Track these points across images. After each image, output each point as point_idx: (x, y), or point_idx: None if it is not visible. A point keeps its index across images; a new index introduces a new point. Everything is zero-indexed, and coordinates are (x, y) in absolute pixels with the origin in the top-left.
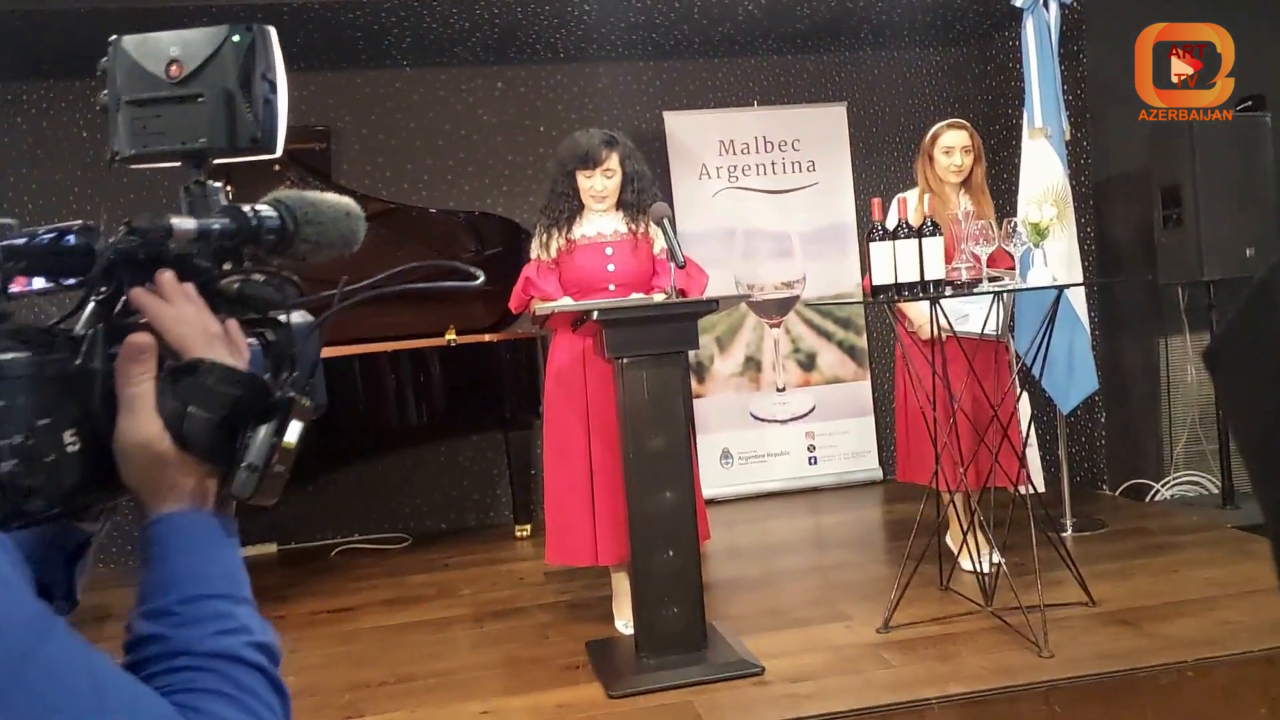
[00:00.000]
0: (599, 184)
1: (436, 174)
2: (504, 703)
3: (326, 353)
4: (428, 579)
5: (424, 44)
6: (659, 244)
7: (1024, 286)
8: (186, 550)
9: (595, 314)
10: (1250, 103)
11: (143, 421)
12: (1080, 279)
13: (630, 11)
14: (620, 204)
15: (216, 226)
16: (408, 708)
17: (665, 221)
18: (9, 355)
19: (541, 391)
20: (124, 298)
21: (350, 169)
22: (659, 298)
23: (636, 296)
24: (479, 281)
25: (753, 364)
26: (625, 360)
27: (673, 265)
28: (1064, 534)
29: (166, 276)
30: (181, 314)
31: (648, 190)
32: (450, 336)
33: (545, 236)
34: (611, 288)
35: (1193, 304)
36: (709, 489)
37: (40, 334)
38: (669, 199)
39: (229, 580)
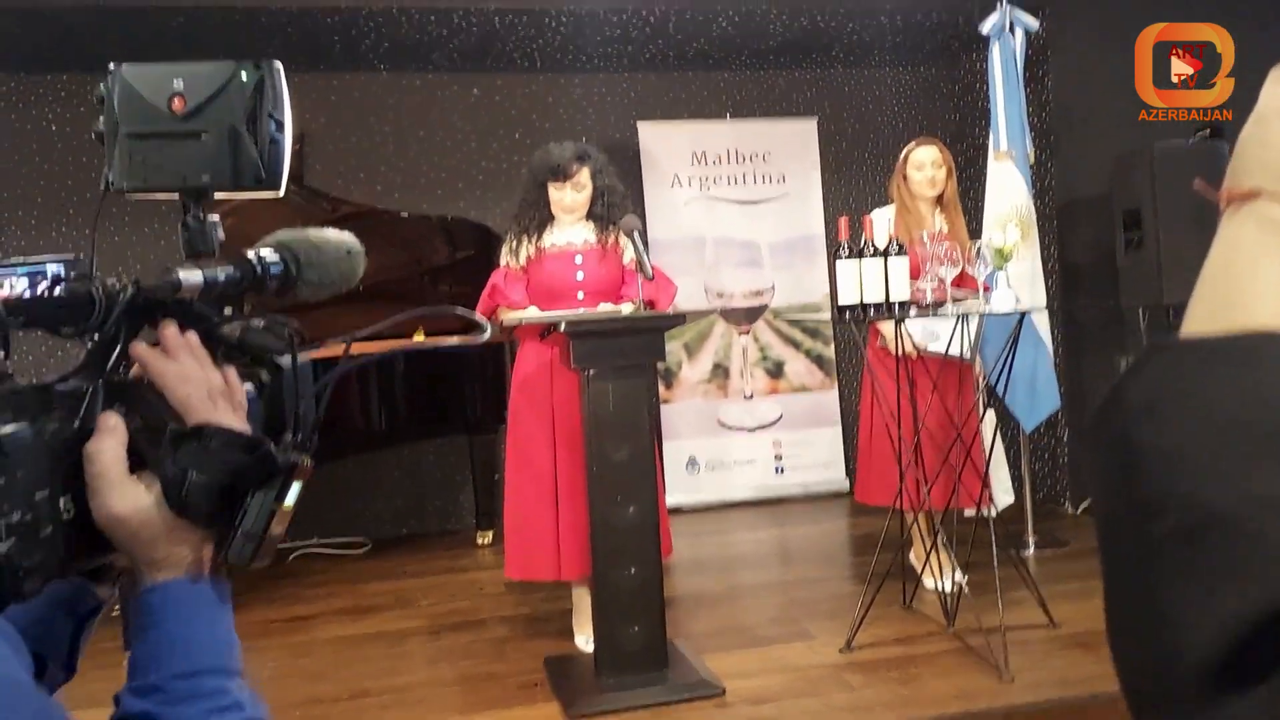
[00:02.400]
0: (569, 197)
1: (409, 178)
2: None
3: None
4: (386, 587)
5: (401, 49)
6: (628, 254)
7: (987, 310)
8: (180, 621)
9: (562, 325)
10: (1209, 130)
11: (111, 499)
12: (1044, 299)
13: (606, 25)
14: (590, 215)
15: (222, 277)
16: None
17: (635, 234)
18: (9, 428)
19: (507, 396)
20: (122, 346)
21: (323, 170)
22: (627, 308)
23: (605, 306)
24: (485, 336)
25: (721, 371)
26: (591, 372)
27: (641, 277)
28: (1026, 552)
29: (170, 331)
30: (184, 371)
31: (618, 204)
32: (419, 338)
33: (515, 244)
34: (580, 296)
35: (1154, 325)
36: (674, 496)
37: (38, 396)
38: (641, 207)
39: (221, 652)
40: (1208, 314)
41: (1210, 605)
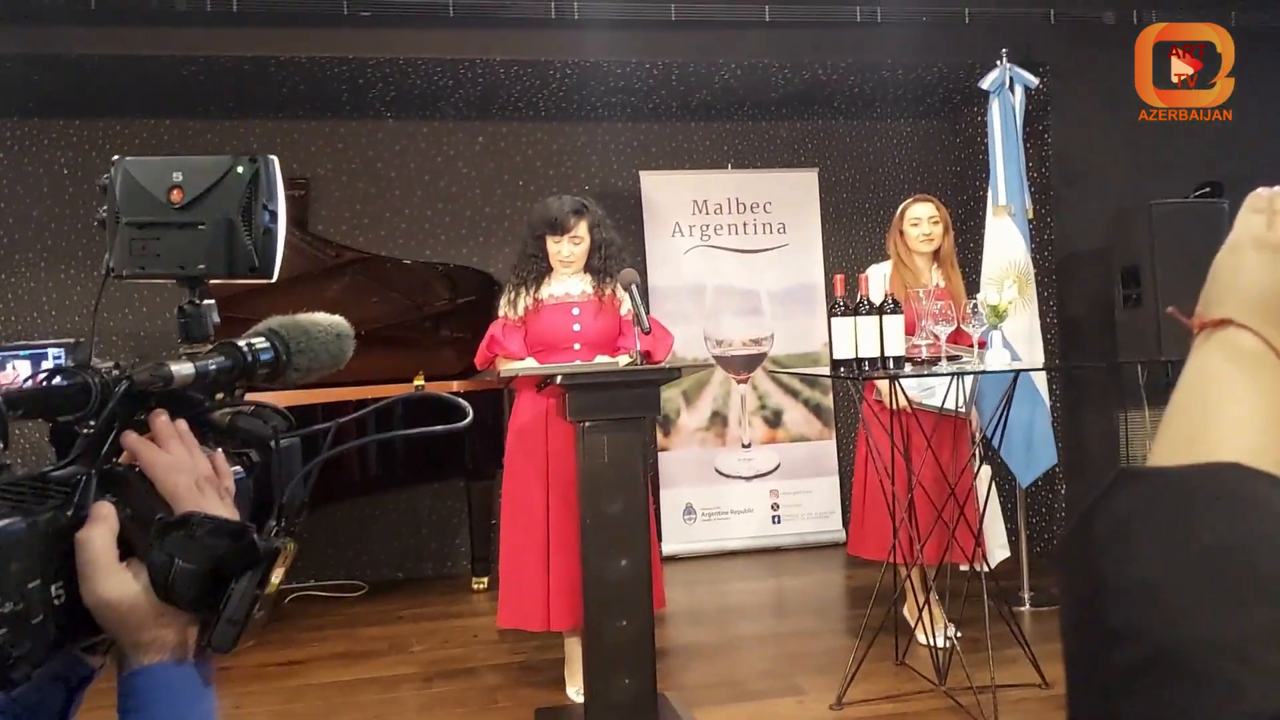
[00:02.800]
0: (566, 250)
1: (414, 224)
2: None
3: (290, 398)
4: (380, 631)
5: (407, 98)
6: (625, 306)
7: (981, 368)
8: (163, 705)
9: (559, 378)
10: (1209, 188)
11: (100, 586)
12: (1041, 355)
13: (610, 76)
14: (588, 267)
15: (213, 367)
16: None
17: (633, 287)
18: (4, 523)
19: (504, 442)
20: (114, 435)
21: (328, 216)
22: (624, 360)
23: (601, 358)
24: (468, 421)
25: (719, 419)
26: (587, 424)
27: (638, 329)
28: (1021, 608)
29: (161, 421)
30: (173, 461)
31: (616, 257)
32: (419, 382)
33: (514, 295)
34: (576, 347)
35: (1151, 381)
36: (671, 545)
37: (33, 486)
38: (642, 255)
39: None
40: (1176, 442)
41: None
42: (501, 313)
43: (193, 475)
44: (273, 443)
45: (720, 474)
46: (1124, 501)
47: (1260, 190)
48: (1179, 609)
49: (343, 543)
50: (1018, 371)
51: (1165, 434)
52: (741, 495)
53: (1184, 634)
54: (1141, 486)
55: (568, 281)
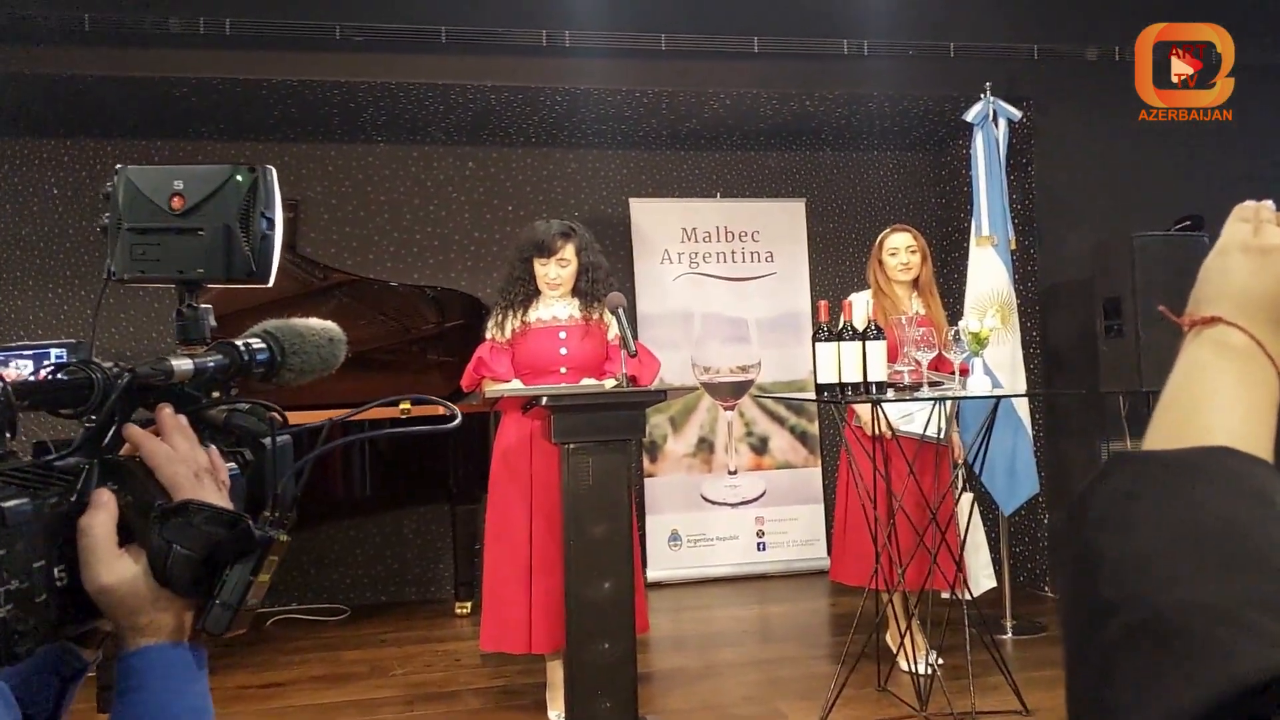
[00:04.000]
0: (553, 272)
1: (403, 248)
2: None
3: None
4: (362, 655)
5: (399, 123)
6: (613, 330)
7: (963, 394)
8: (159, 685)
9: (544, 399)
10: (1189, 222)
11: (100, 571)
12: (1024, 383)
13: (601, 104)
14: (575, 291)
15: (211, 364)
16: None
17: (619, 310)
18: (12, 503)
19: (489, 466)
20: (116, 427)
21: (317, 238)
22: (610, 383)
23: (587, 381)
24: (456, 423)
25: (706, 445)
26: (571, 446)
27: (624, 353)
28: (1003, 636)
29: (167, 413)
30: (174, 451)
31: (603, 280)
32: (405, 406)
33: (501, 318)
34: (563, 370)
35: (1133, 412)
36: (656, 571)
37: (38, 473)
38: (630, 282)
39: (198, 715)
40: (1169, 429)
41: (1150, 700)
42: (489, 335)
43: (192, 466)
44: (267, 440)
45: (706, 500)
46: (1120, 482)
47: (1247, 202)
48: (1173, 578)
49: (325, 566)
50: (999, 398)
51: (1159, 421)
52: (727, 522)
53: (1178, 600)
54: (1137, 468)
55: (555, 305)
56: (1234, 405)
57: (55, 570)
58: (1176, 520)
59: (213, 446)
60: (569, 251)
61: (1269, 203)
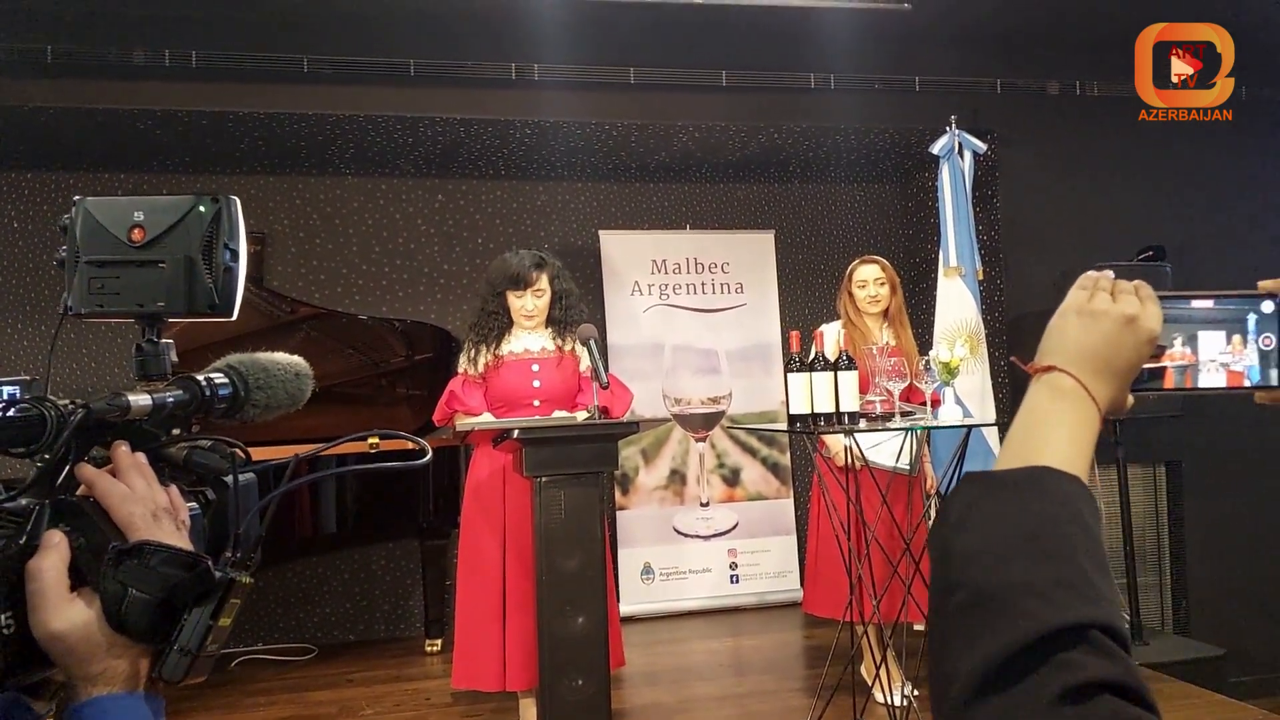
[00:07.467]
0: (529, 303)
1: (372, 280)
2: None
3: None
4: (330, 695)
5: (367, 155)
6: (584, 362)
7: (935, 423)
8: None
9: (516, 433)
10: (1151, 252)
11: (50, 616)
12: (994, 412)
13: (570, 136)
14: (549, 320)
15: (171, 399)
16: None
17: (591, 342)
18: None
19: (460, 501)
20: (70, 466)
21: (284, 271)
22: (582, 415)
23: (560, 414)
24: (427, 459)
25: (677, 477)
26: (544, 478)
27: (596, 384)
28: None
29: (122, 451)
30: (130, 491)
31: (575, 307)
32: (373, 441)
33: (474, 352)
34: (536, 403)
35: (1100, 441)
36: (629, 605)
37: None
38: (601, 313)
39: None
40: (1012, 453)
41: (973, 649)
42: (461, 369)
43: (149, 506)
44: (229, 478)
45: (679, 533)
46: (967, 494)
47: (1090, 273)
48: (998, 564)
49: (292, 604)
50: (970, 427)
51: (1005, 446)
52: (700, 554)
53: (1000, 579)
54: (980, 482)
55: (527, 338)
56: (1060, 434)
57: (2, 617)
58: (1002, 522)
59: (173, 485)
60: (543, 281)
61: (1109, 273)
